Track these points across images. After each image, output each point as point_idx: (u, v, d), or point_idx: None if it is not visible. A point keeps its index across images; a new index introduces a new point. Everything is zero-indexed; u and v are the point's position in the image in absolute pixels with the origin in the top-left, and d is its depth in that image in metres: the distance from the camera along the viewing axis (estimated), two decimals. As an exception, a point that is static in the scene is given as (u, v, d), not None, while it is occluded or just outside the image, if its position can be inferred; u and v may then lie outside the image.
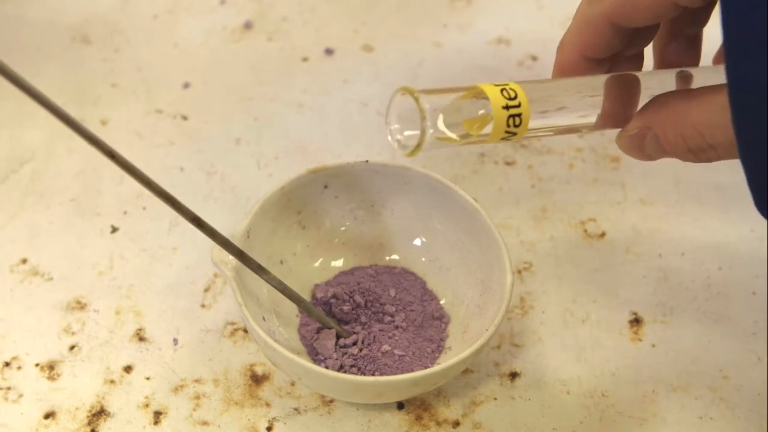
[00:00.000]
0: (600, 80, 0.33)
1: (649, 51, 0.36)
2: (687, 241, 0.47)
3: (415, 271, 0.44)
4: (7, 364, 0.41)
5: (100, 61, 0.56)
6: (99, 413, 0.39)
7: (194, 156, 0.51)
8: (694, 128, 0.30)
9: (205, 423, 0.39)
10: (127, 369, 0.41)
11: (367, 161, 0.42)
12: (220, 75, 0.56)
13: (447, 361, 0.35)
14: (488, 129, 0.30)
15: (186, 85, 0.55)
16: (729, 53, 0.26)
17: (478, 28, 0.60)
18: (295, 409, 0.40)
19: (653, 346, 0.43)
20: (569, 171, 0.51)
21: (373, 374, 0.38)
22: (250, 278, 0.38)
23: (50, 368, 0.41)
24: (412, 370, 0.39)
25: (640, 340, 0.43)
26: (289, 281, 0.38)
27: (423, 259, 0.44)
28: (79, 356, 0.41)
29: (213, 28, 0.60)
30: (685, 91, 0.31)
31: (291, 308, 0.41)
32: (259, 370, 0.41)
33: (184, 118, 0.53)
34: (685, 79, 0.34)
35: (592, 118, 0.33)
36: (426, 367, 0.38)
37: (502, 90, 0.30)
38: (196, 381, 0.40)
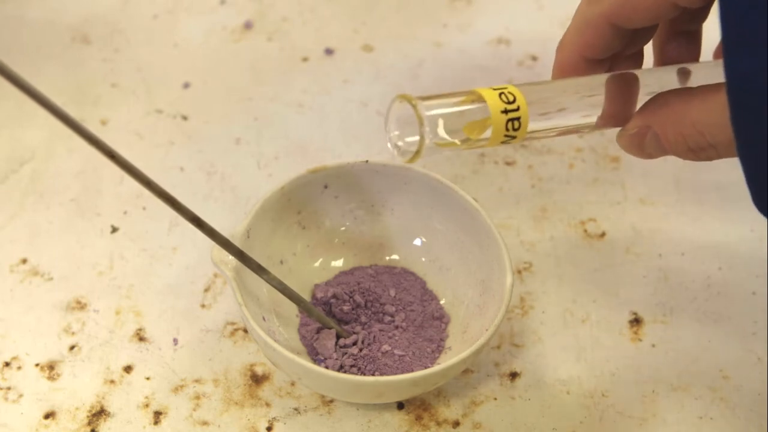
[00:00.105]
0: (599, 80, 0.33)
1: (648, 48, 0.36)
2: (687, 241, 0.47)
3: (415, 271, 0.44)
4: (7, 364, 0.41)
5: (100, 61, 0.56)
6: (99, 413, 0.39)
7: (194, 156, 0.51)
8: (693, 127, 0.30)
9: (205, 423, 0.39)
10: (127, 369, 0.41)
11: (367, 161, 0.42)
12: (220, 75, 0.56)
13: (447, 361, 0.35)
14: (487, 133, 0.30)
15: (186, 85, 0.55)
16: (728, 52, 0.26)
17: (478, 28, 0.60)
18: (295, 409, 0.40)
19: (653, 346, 0.43)
20: (569, 171, 0.51)
21: (373, 374, 0.38)
22: (250, 278, 0.38)
23: (50, 368, 0.41)
24: (412, 370, 0.39)
25: (640, 340, 0.43)
26: (289, 281, 0.38)
27: (423, 259, 0.44)
28: (79, 356, 0.41)
29: (213, 28, 0.60)
30: (684, 90, 0.31)
31: (291, 308, 0.41)
32: (259, 370, 0.41)
33: (184, 118, 0.53)
34: (685, 75, 0.34)
35: (593, 118, 0.33)
36: (426, 367, 0.38)
37: (500, 94, 0.30)
38: (196, 381, 0.40)
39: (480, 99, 0.30)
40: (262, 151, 0.51)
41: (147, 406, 0.39)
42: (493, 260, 0.39)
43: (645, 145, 0.32)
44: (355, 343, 0.40)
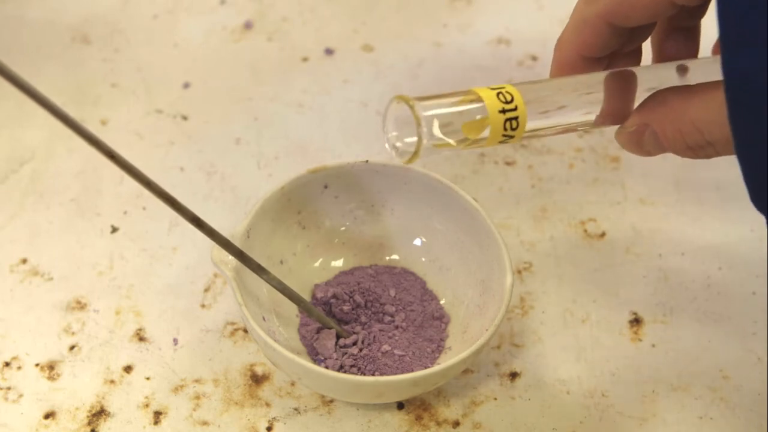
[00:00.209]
0: (597, 78, 0.33)
1: (646, 44, 0.36)
2: (687, 241, 0.47)
3: (415, 271, 0.44)
4: (7, 364, 0.41)
5: (100, 61, 0.56)
6: (99, 413, 0.39)
7: (194, 156, 0.51)
8: (692, 125, 0.30)
9: (205, 423, 0.39)
10: (127, 369, 0.41)
11: (367, 161, 0.42)
12: (220, 75, 0.56)
13: (447, 361, 0.35)
14: (485, 133, 0.30)
15: (186, 85, 0.55)
16: (726, 51, 0.26)
17: (478, 28, 0.60)
18: (295, 409, 0.40)
19: (653, 346, 0.43)
20: (569, 171, 0.51)
21: (373, 374, 0.38)
22: (250, 278, 0.38)
23: (50, 368, 0.41)
24: (412, 370, 0.39)
25: (640, 340, 0.43)
26: (289, 281, 0.38)
27: (423, 259, 0.44)
28: (79, 356, 0.41)
29: (213, 28, 0.60)
30: (683, 88, 0.31)
31: (291, 308, 0.41)
32: (259, 370, 0.41)
33: (184, 118, 0.53)
34: (683, 72, 0.34)
35: (591, 116, 0.33)
36: (426, 367, 0.38)
37: (498, 94, 0.30)
38: (196, 381, 0.40)
39: (478, 99, 0.30)
40: (262, 151, 0.51)
41: (147, 406, 0.39)
42: (493, 260, 0.39)
43: (643, 143, 0.32)
44: (355, 343, 0.40)
